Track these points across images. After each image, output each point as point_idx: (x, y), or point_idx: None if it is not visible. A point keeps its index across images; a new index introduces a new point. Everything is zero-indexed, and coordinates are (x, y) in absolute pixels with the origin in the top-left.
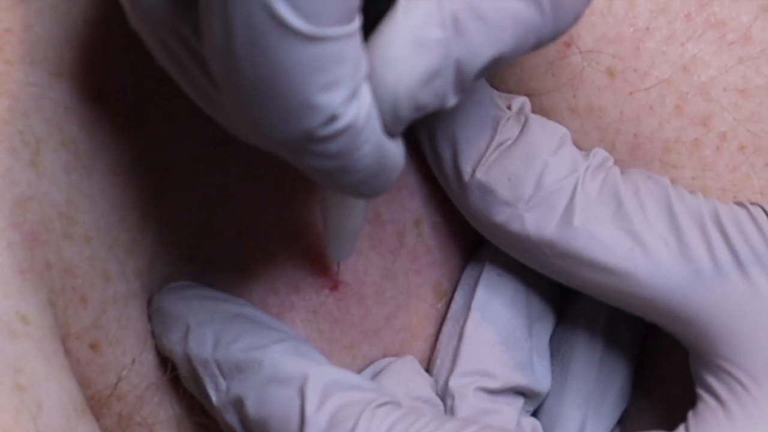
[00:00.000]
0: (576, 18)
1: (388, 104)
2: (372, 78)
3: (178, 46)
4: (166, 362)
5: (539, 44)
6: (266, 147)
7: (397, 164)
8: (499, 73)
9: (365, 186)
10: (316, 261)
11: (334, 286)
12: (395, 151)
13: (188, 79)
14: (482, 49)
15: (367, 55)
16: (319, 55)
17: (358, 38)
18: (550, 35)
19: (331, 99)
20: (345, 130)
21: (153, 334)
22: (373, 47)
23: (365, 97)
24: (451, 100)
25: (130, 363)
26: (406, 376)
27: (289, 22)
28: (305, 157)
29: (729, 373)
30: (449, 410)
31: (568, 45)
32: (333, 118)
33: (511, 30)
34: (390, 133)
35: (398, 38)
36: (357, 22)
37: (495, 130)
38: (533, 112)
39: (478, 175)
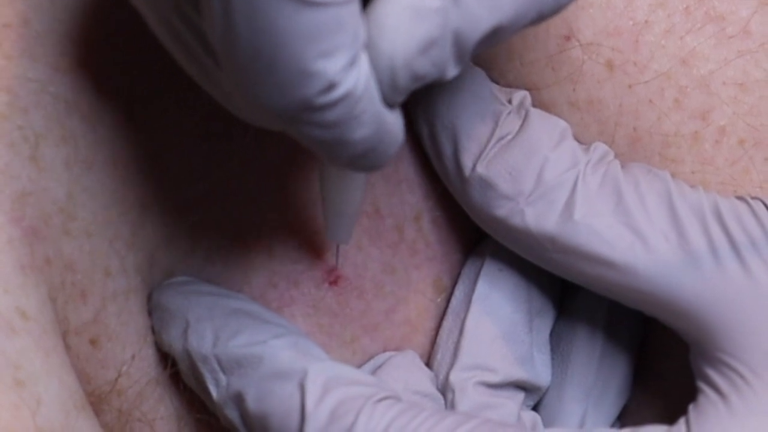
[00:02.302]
0: None
1: (385, 73)
2: (369, 47)
3: (177, 19)
4: (166, 358)
5: (540, 17)
6: (264, 120)
7: (396, 137)
8: (498, 68)
9: (363, 159)
10: (316, 255)
11: (334, 281)
12: (394, 122)
13: (188, 55)
14: (481, 18)
15: (365, 23)
16: (317, 22)
17: (356, 5)
18: (550, 8)
19: (329, 66)
20: (343, 99)
21: (153, 330)
22: (371, 16)
23: (363, 66)
24: (451, 71)
25: (130, 359)
26: (406, 371)
27: None
28: (303, 126)
29: (729, 366)
30: (450, 404)
31: (567, 38)
32: (331, 86)
33: (510, 0)
34: (388, 103)
35: (396, 7)
36: None
37: (496, 124)
38: (533, 106)
39: (479, 169)
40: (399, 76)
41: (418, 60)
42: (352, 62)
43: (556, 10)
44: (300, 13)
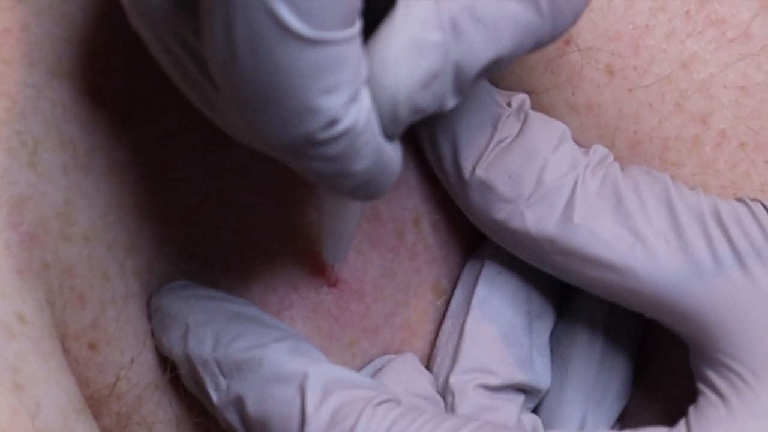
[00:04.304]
0: (575, 19)
1: (386, 107)
2: (371, 81)
3: (178, 47)
4: (165, 362)
5: (538, 46)
6: (264, 150)
7: (395, 168)
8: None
9: (363, 189)
10: (315, 260)
11: (333, 284)
12: (393, 154)
13: (187, 80)
14: (481, 51)
15: (367, 58)
16: (320, 59)
17: (358, 42)
18: (548, 37)
19: (331, 102)
20: (344, 134)
21: (152, 334)
22: (372, 50)
23: (365, 101)
24: (450, 102)
25: (129, 362)
26: (406, 374)
27: (291, 26)
28: (304, 160)
29: (729, 368)
30: (450, 407)
31: (567, 43)
32: (333, 122)
33: (509, 32)
34: (388, 136)
35: (397, 41)
36: (357, 26)
37: (495, 128)
38: (532, 109)
39: (479, 172)
40: (400, 109)
41: (419, 94)
42: (354, 98)
43: (553, 38)
44: (304, 50)
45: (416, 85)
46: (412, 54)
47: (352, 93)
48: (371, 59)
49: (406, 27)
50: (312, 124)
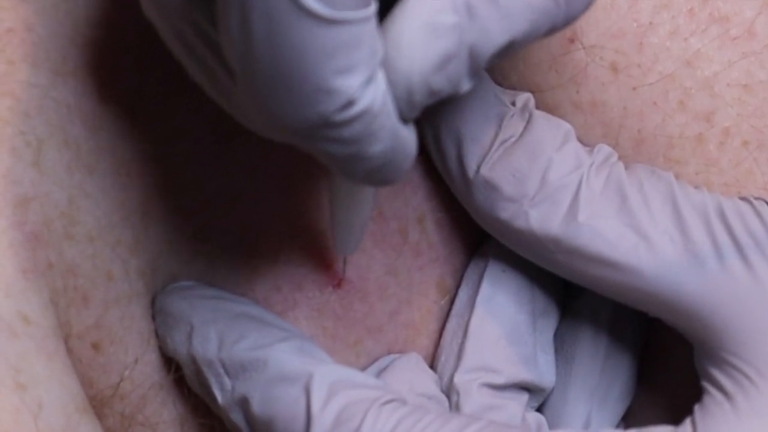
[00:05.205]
0: (588, 4)
1: (402, 90)
2: (386, 63)
3: (193, 35)
4: (169, 362)
5: (552, 30)
6: (279, 136)
7: (410, 151)
8: (502, 70)
9: (378, 173)
10: (320, 259)
11: (338, 284)
12: (409, 137)
13: (201, 68)
14: (496, 34)
15: (382, 40)
16: (336, 39)
17: (374, 22)
18: (562, 21)
19: (347, 83)
20: (361, 115)
21: (156, 334)
22: (388, 32)
23: (381, 82)
24: (465, 86)
25: (133, 363)
26: (410, 373)
27: (308, 6)
28: (320, 143)
29: (734, 366)
30: (454, 406)
31: (571, 41)
32: (349, 103)
33: (524, 15)
34: (404, 119)
35: (412, 23)
36: (373, 6)
37: (499, 127)
38: (537, 108)
39: (483, 171)
40: (415, 92)
41: (434, 76)
42: (370, 79)
43: (567, 22)
44: (320, 30)
45: (431, 68)
46: (426, 36)
47: (369, 74)
48: (386, 42)
49: (420, 9)
50: (328, 105)
